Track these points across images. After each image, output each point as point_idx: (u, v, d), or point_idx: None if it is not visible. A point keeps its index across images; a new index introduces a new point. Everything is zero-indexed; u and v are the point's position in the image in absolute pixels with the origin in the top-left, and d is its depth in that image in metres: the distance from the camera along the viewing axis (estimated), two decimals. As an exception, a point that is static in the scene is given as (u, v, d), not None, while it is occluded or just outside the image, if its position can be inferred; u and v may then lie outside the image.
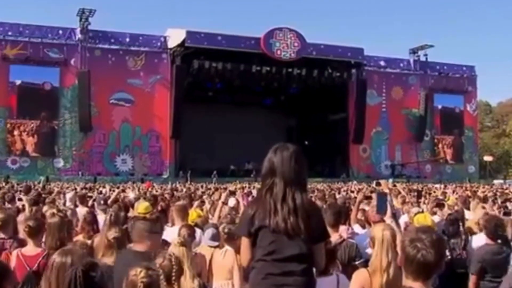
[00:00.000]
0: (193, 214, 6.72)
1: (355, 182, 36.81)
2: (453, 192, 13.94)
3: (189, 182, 34.57)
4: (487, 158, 57.78)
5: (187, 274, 3.84)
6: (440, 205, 8.69)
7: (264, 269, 3.50)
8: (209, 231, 5.52)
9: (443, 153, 51.64)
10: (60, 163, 40.02)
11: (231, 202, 8.49)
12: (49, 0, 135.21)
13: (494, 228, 5.79)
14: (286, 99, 50.07)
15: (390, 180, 41.17)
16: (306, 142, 50.63)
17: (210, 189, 19.38)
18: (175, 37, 41.84)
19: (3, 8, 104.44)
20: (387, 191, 6.09)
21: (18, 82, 39.09)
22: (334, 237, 4.92)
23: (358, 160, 48.06)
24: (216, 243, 5.38)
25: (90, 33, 40.89)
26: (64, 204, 9.73)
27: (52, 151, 40.04)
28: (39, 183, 28.30)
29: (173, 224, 6.54)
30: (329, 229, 5.01)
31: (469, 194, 13.29)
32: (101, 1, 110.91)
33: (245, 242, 3.64)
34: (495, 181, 49.93)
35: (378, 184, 6.05)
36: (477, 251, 5.89)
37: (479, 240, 6.21)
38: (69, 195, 10.57)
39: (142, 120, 41.58)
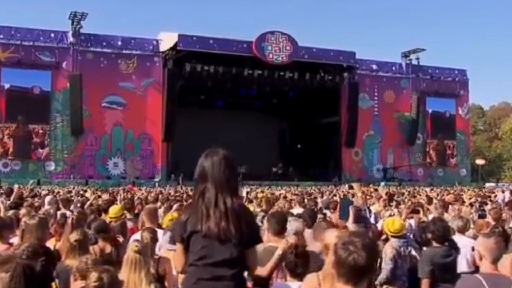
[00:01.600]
0: (167, 217, 6.73)
1: (347, 185, 36.94)
2: (437, 195, 14.03)
3: (180, 186, 34.67)
4: (479, 162, 57.93)
5: (143, 282, 3.86)
6: (415, 211, 8.69)
7: (195, 274, 3.54)
8: (167, 235, 5.55)
9: (433, 157, 51.73)
10: (51, 166, 39.93)
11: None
12: (41, 3, 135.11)
13: (443, 230, 5.69)
14: (278, 102, 50.07)
15: (382, 184, 41.47)
16: (299, 146, 50.86)
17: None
18: (167, 41, 41.86)
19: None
20: (359, 194, 6.14)
21: (6, 85, 39.01)
22: (281, 244, 4.88)
23: (350, 163, 48.13)
24: (174, 247, 5.39)
25: (82, 37, 40.86)
26: (40, 207, 9.72)
27: (43, 154, 39.92)
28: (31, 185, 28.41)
29: (142, 227, 6.56)
30: (274, 237, 5.06)
31: (451, 198, 13.34)
32: (93, 5, 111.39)
33: (179, 248, 3.70)
34: (487, 185, 50.18)
35: (351, 187, 6.11)
36: (426, 254, 5.76)
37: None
38: (47, 199, 10.59)
39: (134, 123, 41.54)
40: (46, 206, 9.18)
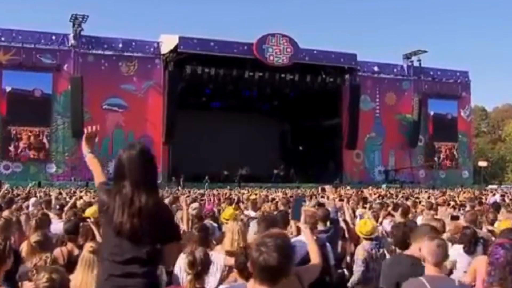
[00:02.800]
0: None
1: (348, 187, 36.89)
2: (428, 197, 14.02)
3: (181, 188, 34.71)
4: (482, 164, 57.75)
5: (94, 282, 3.89)
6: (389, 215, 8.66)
7: (107, 269, 3.54)
8: None
9: (435, 159, 51.65)
10: (52, 168, 40.05)
11: (194, 205, 8.52)
12: (42, 6, 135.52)
13: (402, 236, 5.53)
14: (280, 104, 50.11)
15: (384, 186, 41.39)
16: (301, 148, 50.81)
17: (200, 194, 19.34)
18: (168, 43, 41.95)
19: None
20: (331, 197, 6.15)
21: (8, 89, 39.16)
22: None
23: (351, 165, 48.10)
24: None
25: (83, 39, 40.99)
26: (21, 209, 9.79)
27: (44, 157, 40.05)
28: (32, 187, 28.53)
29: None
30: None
31: (441, 200, 13.31)
32: (94, 7, 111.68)
33: None
34: (490, 187, 50.00)
35: (323, 190, 6.13)
36: (389, 261, 5.57)
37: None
38: (31, 201, 10.66)
39: (135, 125, 41.57)
40: (30, 208, 9.24)
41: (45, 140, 40.13)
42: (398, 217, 8.26)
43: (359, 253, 6.09)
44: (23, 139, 39.61)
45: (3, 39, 39.41)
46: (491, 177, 65.72)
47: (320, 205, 6.98)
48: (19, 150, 39.43)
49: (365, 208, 9.49)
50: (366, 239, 6.16)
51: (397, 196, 16.34)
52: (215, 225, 7.35)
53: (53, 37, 40.75)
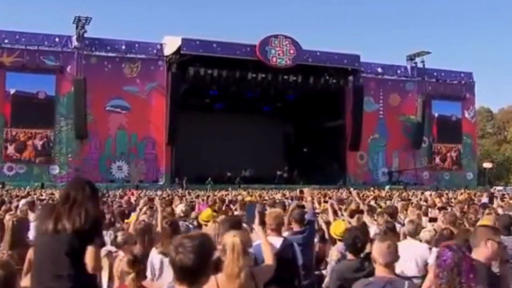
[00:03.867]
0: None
1: (351, 189, 36.80)
2: (421, 199, 13.98)
3: (184, 189, 34.79)
4: (487, 165, 57.57)
5: None
6: (359, 211, 8.64)
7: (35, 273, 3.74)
8: (108, 235, 5.62)
9: (439, 160, 51.54)
10: (56, 170, 40.19)
11: (179, 208, 8.55)
12: (45, 8, 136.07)
13: (352, 240, 5.52)
14: (283, 106, 50.17)
15: (387, 187, 41.26)
16: (305, 149, 50.77)
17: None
18: (171, 45, 42.03)
19: (0, 16, 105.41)
20: (309, 198, 6.17)
21: (12, 91, 39.35)
22: None
23: (355, 167, 48.04)
24: (114, 248, 5.45)
25: (86, 41, 41.11)
26: (9, 210, 9.83)
27: (48, 158, 40.21)
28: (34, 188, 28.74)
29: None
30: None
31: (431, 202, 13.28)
32: (97, 9, 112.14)
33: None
34: (495, 188, 49.79)
35: (301, 192, 6.14)
36: (336, 267, 5.60)
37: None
38: (22, 201, 10.72)
39: (138, 127, 41.72)
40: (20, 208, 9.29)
41: (48, 142, 40.23)
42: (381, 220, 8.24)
43: (333, 254, 6.09)
44: (26, 140, 39.76)
45: (6, 41, 39.62)
46: (496, 179, 65.48)
47: (300, 206, 6.99)
48: (22, 152, 39.56)
49: (341, 209, 9.45)
50: (339, 240, 6.17)
51: (391, 197, 16.23)
52: (191, 226, 7.38)
53: (56, 39, 40.91)
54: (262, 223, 5.18)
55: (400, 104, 50.13)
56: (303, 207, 6.74)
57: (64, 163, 40.41)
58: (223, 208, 10.36)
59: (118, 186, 35.87)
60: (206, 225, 6.74)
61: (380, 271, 4.10)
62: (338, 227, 6.24)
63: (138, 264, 4.40)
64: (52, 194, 17.20)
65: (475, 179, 53.41)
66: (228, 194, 19.59)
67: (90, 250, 3.78)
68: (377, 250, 4.17)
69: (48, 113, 40.05)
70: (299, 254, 5.56)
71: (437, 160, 51.61)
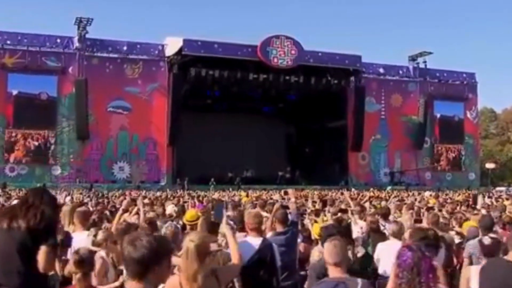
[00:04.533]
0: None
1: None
2: (415, 199, 13.98)
3: (186, 189, 34.84)
4: (489, 166, 57.39)
5: None
6: (343, 211, 8.70)
7: None
8: (91, 236, 5.66)
9: (441, 161, 51.45)
10: (57, 170, 40.28)
11: (171, 208, 8.58)
12: (47, 9, 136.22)
13: (328, 238, 5.57)
14: (285, 106, 50.19)
15: (389, 188, 41.27)
16: (307, 150, 50.79)
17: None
18: (172, 45, 42.10)
19: (2, 18, 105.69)
20: (293, 199, 6.19)
21: (14, 92, 39.47)
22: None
23: (357, 167, 47.99)
24: (97, 248, 5.48)
25: (87, 42, 41.23)
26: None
27: (50, 159, 40.30)
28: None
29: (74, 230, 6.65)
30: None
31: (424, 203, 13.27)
32: (99, 10, 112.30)
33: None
34: (498, 189, 49.64)
35: (286, 193, 6.17)
36: (315, 265, 5.61)
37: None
38: (14, 202, 10.75)
39: (139, 127, 41.78)
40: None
41: (50, 143, 40.33)
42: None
43: (314, 254, 6.12)
44: (28, 141, 39.86)
45: (8, 42, 39.73)
46: (499, 179, 65.19)
47: (284, 207, 7.01)
48: (24, 153, 39.67)
49: (324, 210, 9.48)
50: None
51: (387, 199, 16.20)
52: (178, 226, 7.40)
53: (58, 40, 41.03)
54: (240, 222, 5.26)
55: (402, 104, 50.07)
56: (286, 207, 6.77)
57: (66, 164, 40.51)
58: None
59: (119, 187, 36.00)
60: (189, 225, 6.76)
61: (332, 271, 4.14)
62: (318, 228, 6.27)
63: (86, 265, 4.43)
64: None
65: (478, 180, 53.26)
66: (225, 195, 19.52)
67: (42, 250, 3.84)
68: (325, 250, 4.22)
69: (49, 114, 40.18)
70: (278, 255, 5.57)
71: (439, 160, 51.45)
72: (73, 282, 4.58)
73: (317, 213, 8.02)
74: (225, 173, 43.37)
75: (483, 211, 8.56)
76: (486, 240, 5.28)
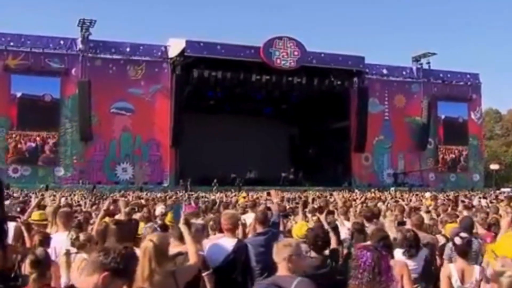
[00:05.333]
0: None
1: (356, 190, 36.86)
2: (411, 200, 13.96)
3: (189, 191, 34.86)
4: (494, 167, 57.22)
5: None
6: (330, 212, 8.70)
7: None
8: (70, 237, 5.68)
9: (445, 162, 51.32)
10: (60, 171, 40.41)
11: (159, 210, 8.60)
12: (50, 11, 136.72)
13: (313, 239, 5.59)
14: (288, 107, 50.13)
15: (392, 189, 41.20)
16: (310, 151, 50.75)
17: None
18: (175, 47, 42.18)
19: (5, 19, 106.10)
20: (275, 200, 6.22)
21: (18, 94, 39.63)
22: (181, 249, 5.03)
23: (360, 168, 47.93)
24: (74, 250, 5.50)
25: (91, 43, 41.38)
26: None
27: (53, 160, 40.44)
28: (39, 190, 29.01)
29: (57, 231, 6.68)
30: (175, 242, 5.19)
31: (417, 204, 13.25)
32: (102, 12, 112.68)
33: None
34: (503, 189, 49.47)
35: (269, 194, 6.21)
36: None
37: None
38: (7, 203, 10.78)
39: (142, 129, 41.87)
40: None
41: (53, 144, 40.46)
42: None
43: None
44: (32, 143, 40.01)
45: (12, 44, 39.90)
46: (503, 180, 64.93)
47: (269, 209, 7.04)
48: (27, 154, 39.81)
49: (304, 212, 9.47)
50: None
51: (383, 201, 16.16)
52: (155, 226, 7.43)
53: (61, 42, 41.18)
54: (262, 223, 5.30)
55: (405, 105, 49.99)
56: (269, 209, 6.79)
57: (69, 165, 40.65)
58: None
59: (122, 188, 35.96)
60: (172, 226, 6.78)
61: (282, 270, 4.19)
62: (300, 230, 6.29)
63: (41, 265, 4.43)
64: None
65: (482, 181, 53.09)
66: (223, 195, 19.52)
67: None
68: (274, 250, 4.25)
69: (53, 115, 40.33)
70: (253, 255, 5.60)
71: (443, 161, 51.31)
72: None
73: (297, 213, 8.01)
74: (228, 174, 43.31)
75: (465, 213, 8.54)
76: (457, 240, 5.30)
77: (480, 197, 17.47)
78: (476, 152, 53.10)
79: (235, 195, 21.99)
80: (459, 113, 52.10)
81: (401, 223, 7.05)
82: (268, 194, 6.09)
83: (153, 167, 42.49)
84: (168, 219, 7.17)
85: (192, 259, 4.47)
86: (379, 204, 13.59)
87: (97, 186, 37.32)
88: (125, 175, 41.87)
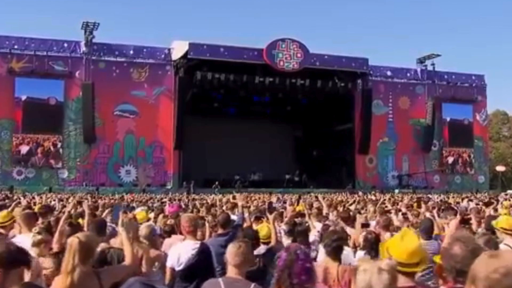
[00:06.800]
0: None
1: (360, 192, 36.80)
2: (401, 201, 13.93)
3: (192, 193, 34.98)
4: (500, 168, 56.95)
5: None
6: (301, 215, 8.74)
7: None
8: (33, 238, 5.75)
9: (450, 164, 51.11)
10: (64, 174, 40.60)
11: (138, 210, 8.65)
12: (54, 14, 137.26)
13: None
14: (292, 109, 50.06)
15: (396, 191, 41.16)
16: (314, 152, 50.70)
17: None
18: (178, 49, 42.32)
19: (9, 23, 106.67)
20: (240, 204, 6.28)
21: (23, 97, 39.86)
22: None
23: (364, 170, 47.79)
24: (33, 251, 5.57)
25: (94, 46, 41.55)
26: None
27: (57, 162, 40.63)
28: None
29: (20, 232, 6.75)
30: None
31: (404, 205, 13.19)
32: (105, 15, 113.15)
33: None
34: (509, 191, 49.21)
35: (234, 197, 6.30)
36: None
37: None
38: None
39: (146, 131, 41.99)
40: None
41: (57, 146, 40.66)
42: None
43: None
44: (36, 145, 40.23)
45: (16, 47, 40.15)
46: (510, 182, 64.57)
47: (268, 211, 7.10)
48: (31, 156, 40.03)
49: (271, 213, 9.50)
50: (263, 243, 6.27)
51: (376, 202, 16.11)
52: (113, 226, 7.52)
53: (65, 45, 41.38)
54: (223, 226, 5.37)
55: (410, 107, 49.82)
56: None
57: (73, 167, 40.83)
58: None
59: (125, 190, 36.10)
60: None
61: (230, 272, 4.27)
62: (261, 231, 6.36)
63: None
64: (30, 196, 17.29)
65: (487, 183, 52.84)
66: (217, 198, 19.58)
67: None
68: (228, 251, 4.33)
69: (57, 118, 40.52)
70: (215, 256, 5.67)
71: (448, 163, 51.10)
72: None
73: (256, 217, 8.07)
74: (231, 176, 43.33)
75: (427, 214, 8.52)
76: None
77: (469, 200, 17.36)
78: (481, 154, 52.82)
79: (233, 197, 21.96)
80: (464, 114, 51.87)
81: (365, 225, 7.04)
82: (233, 197, 6.13)
83: (157, 169, 42.60)
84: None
85: (128, 260, 4.53)
86: (369, 206, 13.55)
87: (101, 189, 37.49)
88: (129, 177, 42.01)
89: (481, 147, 52.90)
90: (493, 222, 5.67)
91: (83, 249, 4.00)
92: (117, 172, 41.82)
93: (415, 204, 13.25)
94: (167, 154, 42.65)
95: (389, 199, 16.74)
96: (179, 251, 5.70)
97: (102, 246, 5.21)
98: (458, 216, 5.43)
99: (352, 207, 12.90)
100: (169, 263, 5.82)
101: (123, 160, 42.03)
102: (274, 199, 18.71)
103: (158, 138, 42.63)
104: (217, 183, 40.04)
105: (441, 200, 17.90)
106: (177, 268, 5.58)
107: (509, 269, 1.94)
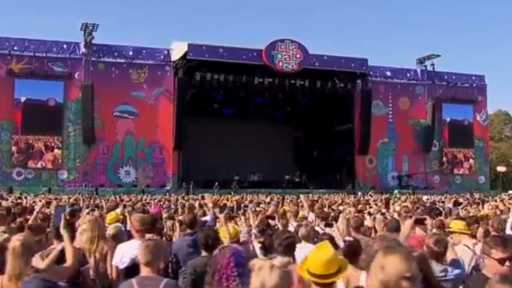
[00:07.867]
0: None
1: (360, 192, 36.81)
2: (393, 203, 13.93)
3: (192, 194, 35.02)
4: (501, 169, 56.85)
5: None
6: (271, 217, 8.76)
7: None
8: None
9: (450, 164, 51.04)
10: (64, 175, 40.70)
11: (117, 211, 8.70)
12: (53, 15, 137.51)
13: (204, 238, 5.80)
14: (291, 110, 50.07)
15: (396, 191, 41.13)
16: (314, 153, 50.71)
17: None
18: (177, 50, 42.36)
19: (9, 24, 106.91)
20: (210, 205, 6.35)
21: (23, 99, 39.95)
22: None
23: (364, 171, 47.74)
24: None
25: (93, 47, 41.60)
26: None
27: (56, 163, 40.73)
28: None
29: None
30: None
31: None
32: (105, 16, 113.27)
33: None
34: (510, 192, 49.10)
35: (203, 198, 6.38)
36: (190, 262, 5.78)
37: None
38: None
39: (145, 132, 42.06)
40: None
41: (57, 147, 40.75)
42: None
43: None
44: (35, 146, 40.32)
45: (15, 48, 40.24)
46: (511, 182, 64.40)
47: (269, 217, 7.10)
48: (31, 157, 40.13)
49: (238, 213, 9.54)
50: (233, 242, 6.32)
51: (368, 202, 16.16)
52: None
53: (64, 46, 41.45)
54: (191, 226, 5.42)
55: (409, 107, 49.75)
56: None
57: (72, 168, 40.89)
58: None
59: (125, 191, 36.16)
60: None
61: (142, 270, 4.40)
62: (223, 232, 6.43)
63: None
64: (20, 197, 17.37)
65: (488, 183, 52.74)
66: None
67: None
68: (139, 250, 4.48)
69: (56, 119, 40.57)
70: (181, 255, 5.74)
71: (448, 164, 51.03)
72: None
73: (230, 217, 8.10)
74: (231, 177, 43.38)
75: (395, 215, 8.54)
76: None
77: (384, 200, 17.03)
78: (481, 154, 52.73)
79: (227, 198, 22.00)
80: (464, 115, 51.79)
81: (328, 225, 7.05)
82: (202, 198, 6.19)
83: (156, 170, 42.64)
84: (107, 220, 7.29)
85: (68, 261, 4.60)
86: (348, 208, 13.55)
87: (100, 189, 37.58)
88: (128, 178, 42.07)
89: (482, 148, 52.81)
90: (451, 224, 5.69)
91: (26, 252, 4.05)
92: (117, 173, 41.90)
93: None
94: (167, 154, 42.71)
95: (381, 200, 16.74)
96: (123, 250, 5.86)
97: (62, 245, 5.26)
98: (414, 217, 5.43)
99: (341, 208, 12.93)
100: (114, 261, 5.99)
101: (123, 160, 42.10)
102: (266, 199, 18.75)
103: (158, 138, 42.67)
104: (216, 183, 40.11)
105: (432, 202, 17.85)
106: (121, 266, 5.75)
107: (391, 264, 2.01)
